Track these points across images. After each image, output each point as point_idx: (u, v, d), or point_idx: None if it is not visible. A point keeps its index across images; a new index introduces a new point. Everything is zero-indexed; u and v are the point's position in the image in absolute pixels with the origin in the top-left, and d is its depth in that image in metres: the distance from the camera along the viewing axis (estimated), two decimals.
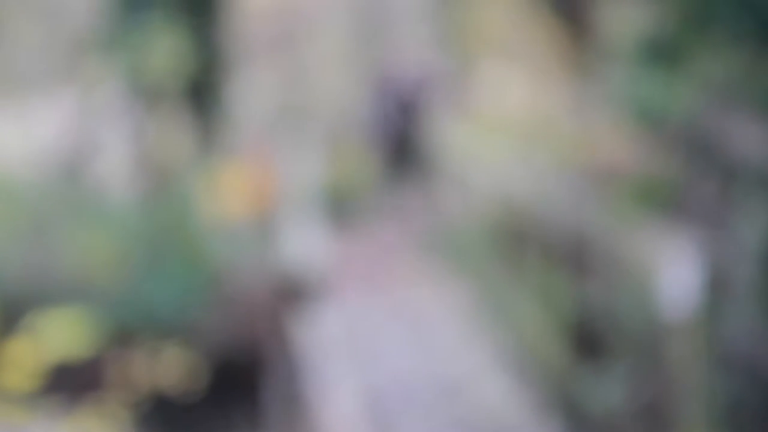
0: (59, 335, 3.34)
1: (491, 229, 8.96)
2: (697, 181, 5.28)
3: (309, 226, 5.66)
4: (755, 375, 4.02)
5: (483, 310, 7.91)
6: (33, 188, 11.56)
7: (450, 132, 11.08)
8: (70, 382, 8.72)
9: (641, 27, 4.68)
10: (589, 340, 9.57)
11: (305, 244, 5.20)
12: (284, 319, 4.65)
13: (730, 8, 4.34)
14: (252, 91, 18.65)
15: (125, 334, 8.92)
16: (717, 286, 5.17)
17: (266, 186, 12.79)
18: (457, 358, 7.25)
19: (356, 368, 7.17)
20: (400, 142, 10.20)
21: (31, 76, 9.84)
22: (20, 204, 10.02)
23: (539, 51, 13.09)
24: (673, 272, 3.86)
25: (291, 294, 4.60)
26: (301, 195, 6.91)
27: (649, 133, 4.74)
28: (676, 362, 3.92)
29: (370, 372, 7.14)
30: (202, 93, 14.72)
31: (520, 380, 6.58)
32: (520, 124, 12.97)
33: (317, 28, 20.73)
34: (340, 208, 12.08)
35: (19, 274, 9.24)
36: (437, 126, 11.19)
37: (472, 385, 7.25)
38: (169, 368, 5.46)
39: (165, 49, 9.34)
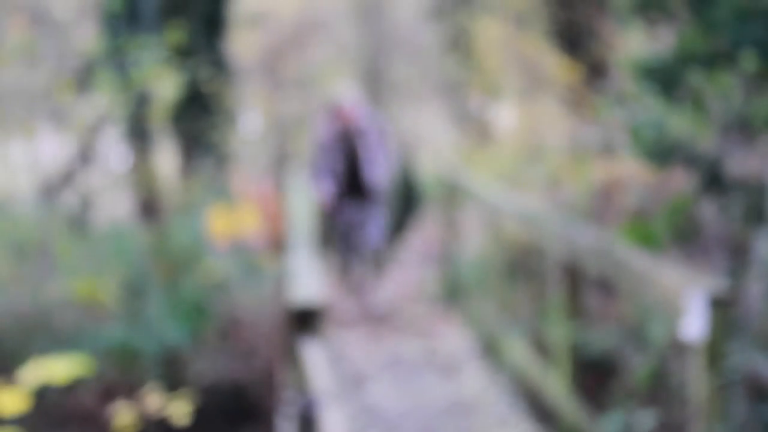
0: (55, 370, 3.26)
1: (497, 262, 8.98)
2: (711, 206, 5.27)
3: (309, 258, 5.61)
4: None
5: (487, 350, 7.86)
6: (31, 218, 11.56)
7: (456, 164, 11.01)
8: (66, 415, 8.69)
9: (646, 58, 4.66)
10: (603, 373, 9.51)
11: (309, 276, 5.14)
12: (288, 349, 4.59)
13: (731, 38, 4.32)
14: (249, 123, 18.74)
15: (128, 363, 8.89)
16: (735, 310, 5.14)
17: (267, 216, 12.77)
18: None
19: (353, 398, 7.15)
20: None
21: (30, 111, 9.87)
22: (19, 234, 9.96)
23: (549, 83, 13.12)
24: (691, 298, 3.91)
25: (295, 323, 4.54)
26: (301, 227, 6.88)
27: (660, 161, 4.71)
28: (694, 386, 3.99)
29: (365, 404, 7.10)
30: (200, 126, 14.75)
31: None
32: (528, 152, 13.01)
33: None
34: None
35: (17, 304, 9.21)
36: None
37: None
38: (170, 399, 5.40)
39: (164, 82, 9.33)
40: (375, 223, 8.95)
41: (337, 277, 9.42)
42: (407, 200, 10.35)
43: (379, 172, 8.77)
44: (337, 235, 9.17)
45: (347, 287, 9.30)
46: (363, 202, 8.85)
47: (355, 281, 9.22)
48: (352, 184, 8.73)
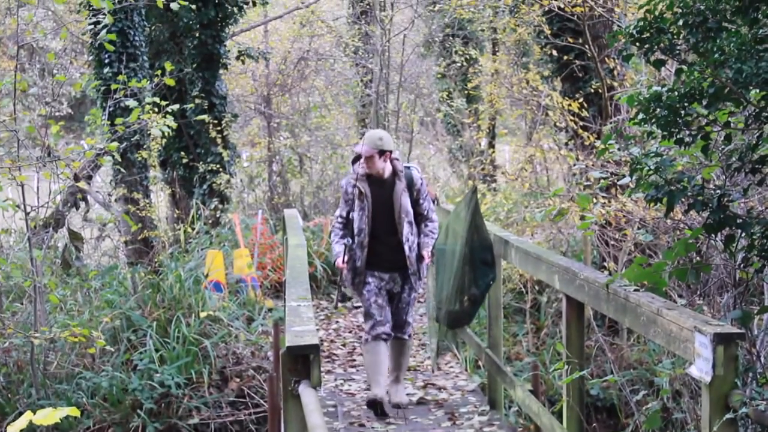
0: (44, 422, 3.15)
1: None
2: (718, 243, 5.18)
3: (306, 301, 5.50)
4: None
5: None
6: (22, 259, 11.48)
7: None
8: None
9: (649, 93, 4.57)
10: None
11: (304, 319, 5.03)
12: (285, 391, 4.46)
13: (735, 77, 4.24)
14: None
15: (120, 405, 8.75)
16: (743, 348, 5.05)
17: (265, 256, 12.69)
18: None
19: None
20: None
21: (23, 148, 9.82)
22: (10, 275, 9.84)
23: (551, 120, 13.06)
24: (699, 337, 3.87)
25: (289, 366, 4.41)
26: (299, 269, 6.76)
27: (664, 198, 4.61)
28: (703, 424, 3.99)
29: None
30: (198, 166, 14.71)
31: None
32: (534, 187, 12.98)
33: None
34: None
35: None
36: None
37: None
38: None
39: (158, 119, 9.26)
40: (410, 299, 7.35)
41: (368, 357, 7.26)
42: (475, 265, 7.08)
43: (426, 235, 7.18)
44: (364, 312, 7.40)
45: (372, 372, 7.25)
46: (398, 272, 7.24)
47: (380, 366, 7.20)
48: (384, 249, 7.16)
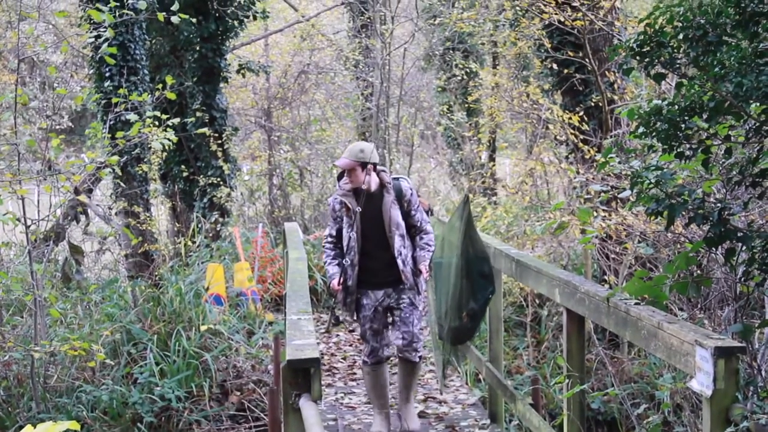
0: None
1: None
2: (719, 256, 5.18)
3: (306, 315, 5.50)
4: None
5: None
6: (23, 273, 11.48)
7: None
8: None
9: (649, 107, 4.58)
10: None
11: (306, 327, 5.02)
12: (285, 404, 4.45)
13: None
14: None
15: (120, 418, 8.74)
16: (744, 361, 5.04)
17: (263, 267, 12.70)
18: None
19: None
20: None
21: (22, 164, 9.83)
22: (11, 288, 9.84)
23: (551, 133, 13.07)
24: (700, 351, 3.86)
25: (289, 379, 4.41)
26: (299, 283, 6.74)
27: (664, 211, 4.61)
28: None
29: None
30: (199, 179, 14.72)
31: None
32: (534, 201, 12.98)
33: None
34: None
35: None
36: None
37: None
38: None
39: (159, 133, 9.27)
40: (411, 315, 6.90)
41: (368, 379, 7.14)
42: (473, 278, 6.78)
43: (422, 248, 6.86)
44: (361, 335, 7.16)
45: (374, 395, 7.14)
46: (391, 287, 6.92)
47: (382, 389, 7.09)
48: (376, 265, 6.84)
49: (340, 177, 6.95)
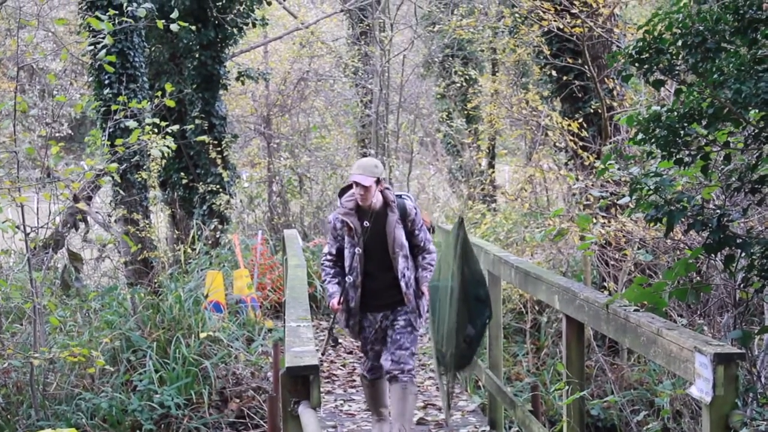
0: None
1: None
2: (718, 263, 5.18)
3: (305, 315, 5.50)
4: None
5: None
6: (22, 280, 11.47)
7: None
8: None
9: (648, 114, 4.59)
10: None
11: (305, 334, 5.02)
12: (284, 411, 4.45)
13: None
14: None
15: (120, 425, 8.73)
16: (744, 367, 5.04)
17: (263, 274, 12.69)
18: None
19: None
20: None
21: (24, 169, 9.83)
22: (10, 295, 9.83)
23: (551, 140, 13.08)
24: (699, 357, 3.87)
25: (289, 387, 4.41)
26: (298, 290, 6.74)
27: (663, 217, 4.61)
28: None
29: None
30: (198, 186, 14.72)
31: None
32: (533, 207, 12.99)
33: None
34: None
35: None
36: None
37: None
38: None
39: (158, 140, 9.28)
40: (403, 338, 6.59)
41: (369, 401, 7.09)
42: (469, 303, 6.64)
43: (424, 269, 6.63)
44: (362, 351, 6.98)
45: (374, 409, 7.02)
46: (390, 309, 6.66)
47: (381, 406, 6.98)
48: (379, 286, 6.58)
49: (341, 194, 6.70)
